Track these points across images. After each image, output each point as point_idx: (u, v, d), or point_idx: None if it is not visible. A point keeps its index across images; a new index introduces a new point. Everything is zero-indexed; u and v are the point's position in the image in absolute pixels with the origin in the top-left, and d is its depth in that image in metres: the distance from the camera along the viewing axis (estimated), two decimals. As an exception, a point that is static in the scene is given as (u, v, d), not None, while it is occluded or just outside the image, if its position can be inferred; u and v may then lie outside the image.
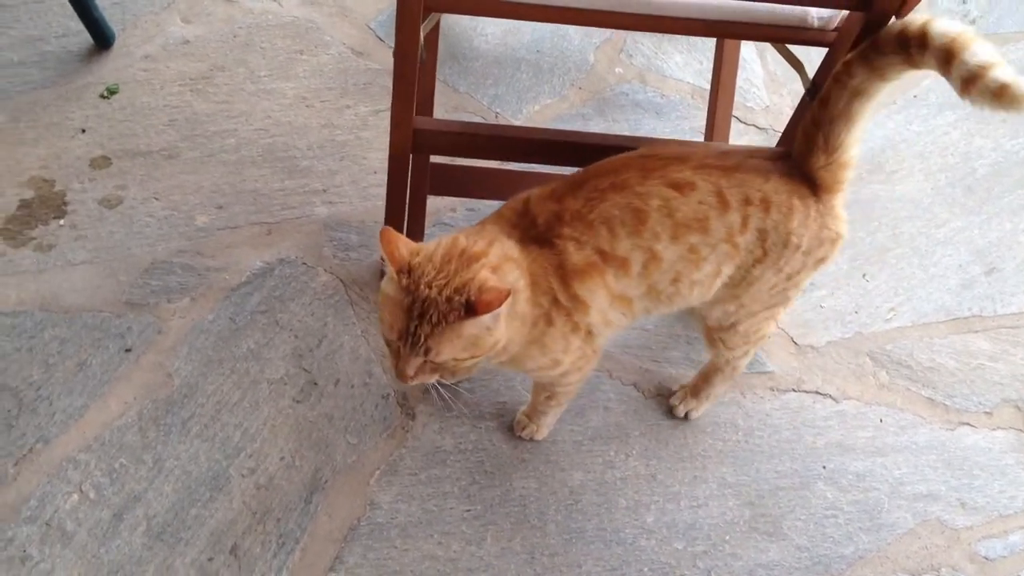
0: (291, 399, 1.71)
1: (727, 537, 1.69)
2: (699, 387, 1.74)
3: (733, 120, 2.21)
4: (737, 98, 2.24)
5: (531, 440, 1.72)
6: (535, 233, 1.31)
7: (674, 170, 1.32)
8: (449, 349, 1.19)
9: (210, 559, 1.54)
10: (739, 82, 2.26)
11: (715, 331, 1.57)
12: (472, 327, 1.18)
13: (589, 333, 1.38)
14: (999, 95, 1.13)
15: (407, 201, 1.77)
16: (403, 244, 1.21)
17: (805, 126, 1.35)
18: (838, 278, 2.03)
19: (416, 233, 1.84)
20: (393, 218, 1.73)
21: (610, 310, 1.37)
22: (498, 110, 2.15)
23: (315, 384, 1.73)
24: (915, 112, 2.30)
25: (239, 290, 1.81)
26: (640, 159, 1.35)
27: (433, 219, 1.98)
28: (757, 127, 2.23)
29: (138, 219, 1.88)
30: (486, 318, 1.17)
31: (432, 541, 1.61)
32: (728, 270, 1.39)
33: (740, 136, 2.20)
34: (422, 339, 1.18)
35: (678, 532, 1.68)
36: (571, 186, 1.34)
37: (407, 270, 1.19)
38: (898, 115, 2.29)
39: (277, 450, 1.65)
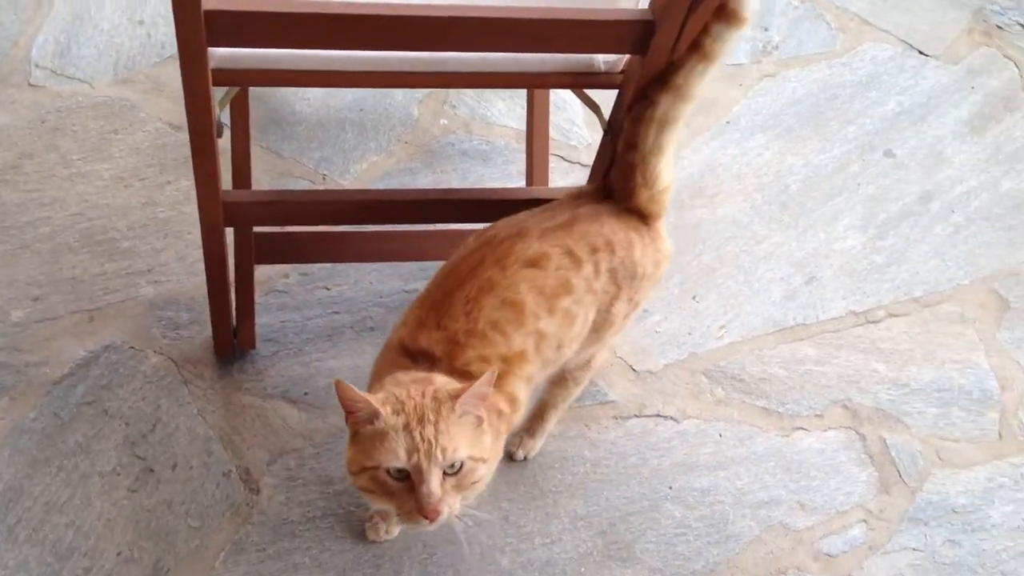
0: (126, 489, 1.67)
1: (582, 569, 1.71)
2: (534, 427, 1.77)
3: (558, 160, 2.28)
4: (560, 138, 2.31)
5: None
6: (443, 368, 1.29)
7: (523, 248, 1.34)
8: (462, 442, 1.15)
9: (49, 668, 1.48)
10: (560, 122, 2.33)
11: (573, 371, 1.61)
12: (466, 417, 1.17)
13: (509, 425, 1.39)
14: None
15: (232, 274, 1.76)
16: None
17: (622, 170, 1.42)
18: (669, 302, 2.10)
19: (247, 305, 1.83)
20: (217, 294, 1.71)
21: (525, 395, 1.40)
22: (325, 172, 2.16)
23: (151, 471, 1.69)
24: (729, 137, 2.40)
25: (62, 383, 1.76)
26: (488, 250, 1.35)
27: (265, 287, 1.96)
28: (581, 164, 2.30)
29: (-51, 321, 1.81)
30: (476, 403, 1.17)
31: (286, 616, 1.59)
32: (592, 316, 1.43)
33: (566, 175, 2.26)
34: (434, 442, 1.12)
35: (534, 571, 1.70)
36: (438, 307, 1.32)
37: (383, 401, 1.15)
38: (713, 141, 2.39)
39: (114, 545, 1.61)
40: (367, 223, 1.70)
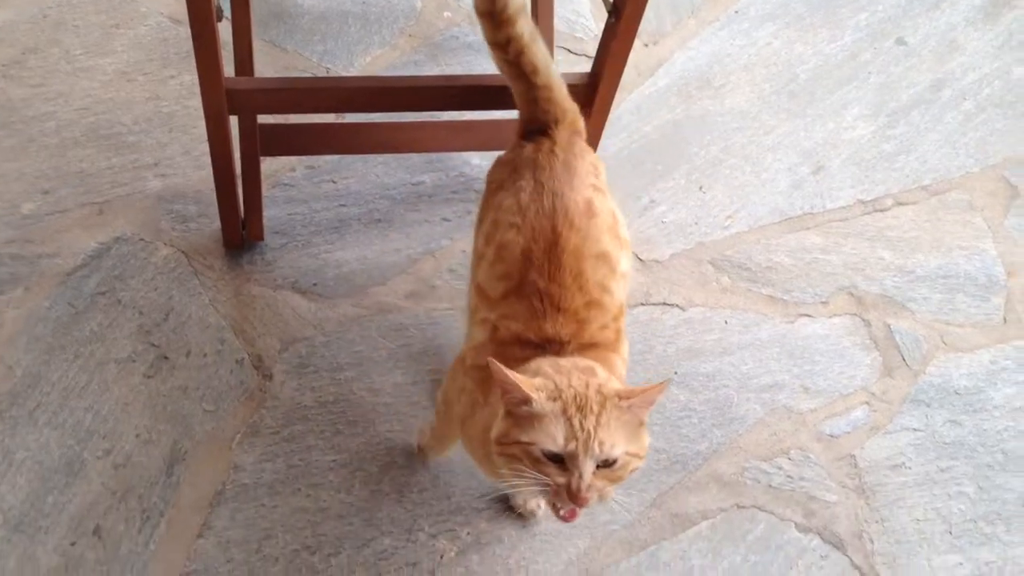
0: (142, 376, 1.70)
1: (588, 451, 1.75)
2: None
3: (564, 52, 2.26)
4: (566, 29, 2.29)
5: None
6: (572, 348, 1.27)
7: (572, 204, 1.33)
8: (621, 439, 1.11)
9: (72, 543, 1.53)
10: (566, 14, 2.30)
11: None
12: (632, 417, 1.13)
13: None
14: None
15: (238, 166, 1.76)
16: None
17: (543, 107, 1.47)
18: (676, 193, 2.10)
19: (254, 197, 1.83)
20: (224, 185, 1.72)
21: None
22: (329, 65, 2.14)
23: (165, 358, 1.73)
24: (737, 27, 2.37)
25: (75, 274, 1.78)
26: (548, 219, 1.32)
27: (272, 181, 1.97)
28: (587, 56, 2.27)
29: (-39, 215, 1.83)
30: (646, 408, 1.14)
31: (300, 494, 1.63)
32: None
33: (573, 66, 2.24)
34: (593, 434, 1.09)
35: (541, 453, 1.73)
36: (546, 292, 1.28)
37: (538, 388, 1.12)
38: (721, 31, 2.36)
39: (132, 428, 1.65)
40: (372, 110, 1.69)
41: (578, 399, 1.10)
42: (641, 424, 1.15)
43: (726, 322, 1.95)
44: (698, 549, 1.68)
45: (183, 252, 1.85)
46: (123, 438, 1.63)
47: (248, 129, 1.78)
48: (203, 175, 1.93)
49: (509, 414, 1.14)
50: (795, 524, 1.72)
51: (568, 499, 1.10)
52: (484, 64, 2.19)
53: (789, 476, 1.77)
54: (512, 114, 2.01)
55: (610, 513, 1.69)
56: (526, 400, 1.10)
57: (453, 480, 1.68)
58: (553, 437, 1.09)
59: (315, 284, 1.86)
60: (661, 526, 1.70)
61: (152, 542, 1.55)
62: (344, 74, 2.13)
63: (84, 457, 1.61)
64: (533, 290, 1.28)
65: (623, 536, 1.68)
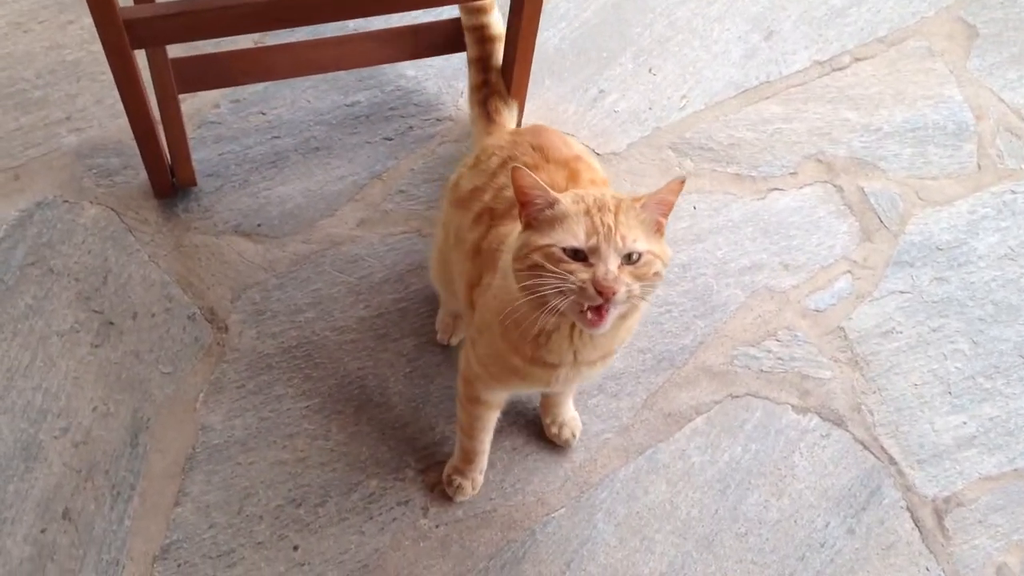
0: (89, 345, 1.59)
1: (571, 360, 1.67)
2: None
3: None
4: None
5: None
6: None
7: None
8: (641, 235, 1.12)
9: (42, 530, 1.43)
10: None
11: None
12: (647, 217, 1.14)
13: None
14: None
15: (156, 108, 1.63)
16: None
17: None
18: (625, 78, 1.99)
19: (179, 139, 1.70)
20: (142, 130, 1.59)
21: None
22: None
23: (111, 324, 1.61)
24: None
25: (-1, 247, 1.66)
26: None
27: (196, 120, 1.84)
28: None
29: None
30: (659, 208, 1.15)
31: (276, 447, 1.55)
32: None
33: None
34: (614, 228, 1.11)
35: (522, 368, 1.65)
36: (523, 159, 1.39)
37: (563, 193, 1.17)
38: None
39: (87, 402, 1.54)
40: (288, 24, 1.56)
41: (598, 202, 1.14)
42: (659, 230, 1.17)
43: (695, 207, 1.86)
44: (696, 446, 1.62)
45: (112, 209, 1.72)
46: (79, 413, 1.53)
47: (159, 65, 1.64)
48: (121, 124, 1.78)
49: (528, 226, 1.16)
50: (792, 406, 1.67)
51: (595, 292, 1.09)
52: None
53: (779, 358, 1.71)
54: (443, 16, 1.88)
55: (602, 422, 1.62)
56: (551, 203, 1.14)
57: (434, 411, 1.60)
58: (575, 234, 1.12)
59: (259, 225, 1.74)
60: (656, 427, 1.63)
61: (127, 517, 1.46)
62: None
63: (40, 439, 1.50)
64: (523, 158, 1.38)
65: (618, 443, 1.61)
